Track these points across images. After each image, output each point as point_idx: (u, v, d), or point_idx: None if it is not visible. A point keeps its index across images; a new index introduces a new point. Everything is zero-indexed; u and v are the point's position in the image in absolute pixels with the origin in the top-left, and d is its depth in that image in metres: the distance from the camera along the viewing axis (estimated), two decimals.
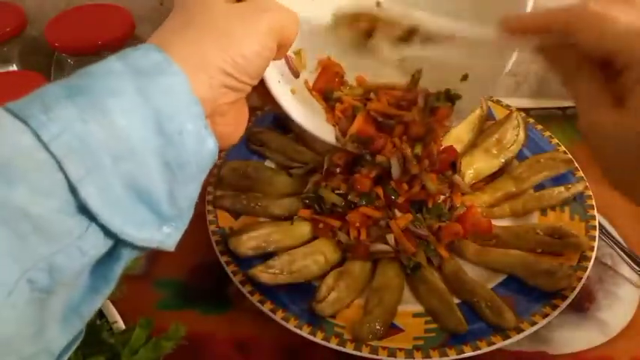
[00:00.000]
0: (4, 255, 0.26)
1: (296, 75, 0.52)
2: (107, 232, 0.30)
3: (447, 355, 0.50)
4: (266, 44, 0.36)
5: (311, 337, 0.51)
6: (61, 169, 0.27)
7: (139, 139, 0.30)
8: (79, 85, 0.30)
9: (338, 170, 0.59)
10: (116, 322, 0.47)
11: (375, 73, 0.57)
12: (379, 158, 0.56)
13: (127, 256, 0.32)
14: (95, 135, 0.28)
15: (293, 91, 0.49)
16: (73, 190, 0.28)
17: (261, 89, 0.43)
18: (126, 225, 0.30)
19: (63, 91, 0.29)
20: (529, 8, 0.47)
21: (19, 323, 0.27)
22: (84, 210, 0.28)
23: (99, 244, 0.30)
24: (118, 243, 0.31)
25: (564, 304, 0.52)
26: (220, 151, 0.36)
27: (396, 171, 0.56)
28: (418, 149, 0.56)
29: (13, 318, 0.27)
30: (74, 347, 0.33)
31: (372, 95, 0.57)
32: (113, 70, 0.31)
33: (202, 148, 0.33)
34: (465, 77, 0.54)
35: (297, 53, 0.53)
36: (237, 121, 0.39)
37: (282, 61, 0.49)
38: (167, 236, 0.33)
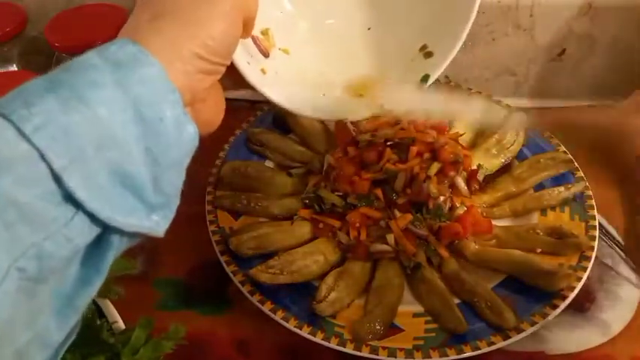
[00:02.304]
0: None
1: (266, 55, 0.52)
2: (94, 219, 0.30)
3: (446, 355, 0.50)
4: (232, 22, 0.37)
5: (311, 337, 0.51)
6: (44, 159, 0.28)
7: (121, 127, 0.31)
8: (58, 79, 0.31)
9: (335, 174, 0.59)
10: (116, 322, 0.47)
11: None
12: (387, 166, 0.57)
13: (117, 245, 0.32)
14: (77, 125, 0.29)
15: (263, 71, 0.49)
16: (57, 180, 0.28)
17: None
18: (112, 212, 0.31)
19: (43, 85, 0.30)
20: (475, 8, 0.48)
21: (11, 311, 0.28)
22: (69, 198, 0.29)
23: (85, 232, 0.30)
24: (107, 230, 0.31)
25: (564, 304, 0.52)
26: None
27: (399, 184, 0.57)
28: (432, 170, 0.57)
29: (6, 305, 0.27)
30: (70, 341, 0.33)
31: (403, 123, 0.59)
32: (91, 64, 0.32)
33: (182, 134, 0.34)
34: (423, 48, 0.53)
35: (265, 33, 0.52)
36: (217, 107, 0.40)
37: (252, 44, 0.49)
38: (156, 224, 0.33)
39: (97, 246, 0.32)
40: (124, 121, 0.31)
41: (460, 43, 0.49)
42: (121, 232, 0.32)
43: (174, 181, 0.34)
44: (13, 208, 0.27)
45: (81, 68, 0.32)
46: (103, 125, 0.30)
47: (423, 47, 0.52)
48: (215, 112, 0.40)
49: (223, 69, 0.38)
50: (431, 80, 0.50)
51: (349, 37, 0.56)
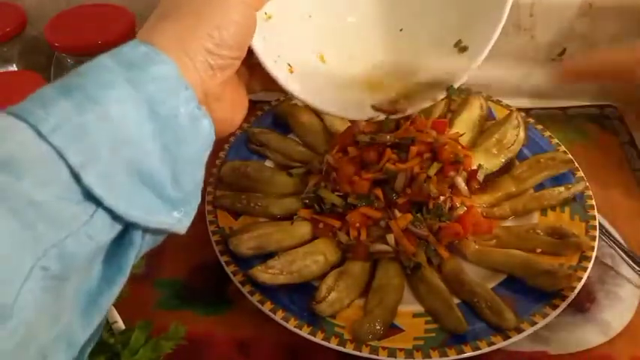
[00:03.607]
0: (16, 243, 0.27)
1: None
2: (114, 216, 0.31)
3: (447, 355, 0.50)
4: (242, 14, 0.37)
5: (311, 337, 0.51)
6: (62, 158, 0.29)
7: (135, 125, 0.31)
8: (72, 82, 0.31)
9: (335, 174, 0.60)
10: (116, 322, 0.47)
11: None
12: (387, 166, 0.57)
13: (139, 243, 0.33)
14: (92, 125, 0.30)
15: (290, 70, 0.49)
16: (76, 178, 0.29)
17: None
18: (132, 208, 0.31)
19: (58, 89, 0.31)
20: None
21: (37, 310, 0.28)
22: (89, 196, 0.30)
23: (106, 229, 0.31)
24: (128, 228, 0.32)
25: (564, 304, 0.52)
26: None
27: (399, 184, 0.57)
28: (432, 170, 0.57)
29: (32, 305, 0.28)
30: (96, 340, 0.34)
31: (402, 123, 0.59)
32: (104, 66, 0.32)
33: (198, 129, 0.34)
34: (458, 44, 0.52)
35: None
36: (235, 106, 0.40)
37: (276, 35, 0.48)
38: (178, 221, 0.34)
39: (119, 245, 0.32)
40: (138, 119, 0.31)
41: (498, 31, 0.48)
42: (142, 230, 0.32)
43: (194, 177, 0.35)
44: (34, 207, 0.28)
45: (93, 71, 0.32)
46: (118, 124, 0.31)
47: (458, 42, 0.51)
48: (232, 112, 0.40)
49: (236, 64, 0.38)
50: (468, 73, 0.49)
51: (381, 38, 0.55)
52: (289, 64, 0.47)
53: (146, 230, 0.33)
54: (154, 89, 0.32)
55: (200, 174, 0.36)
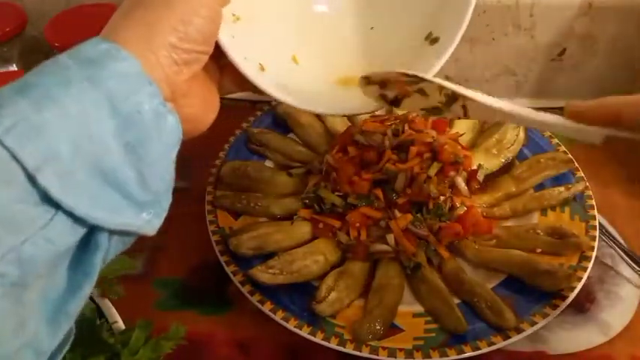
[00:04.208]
0: None
1: None
2: (75, 218, 0.29)
3: (447, 355, 0.50)
4: (205, 5, 0.36)
5: (311, 337, 0.51)
6: (17, 160, 0.28)
7: (96, 123, 0.30)
8: (29, 81, 0.30)
9: (335, 174, 0.60)
10: (116, 322, 0.47)
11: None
12: (387, 166, 0.57)
13: (105, 246, 0.31)
14: (49, 124, 0.29)
15: (262, 68, 0.48)
16: (32, 180, 0.28)
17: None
18: (94, 210, 0.30)
19: (14, 89, 0.30)
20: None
21: None
22: (47, 199, 0.28)
23: (67, 232, 0.30)
24: (93, 230, 0.31)
25: (564, 304, 0.52)
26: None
27: (400, 184, 0.57)
28: (432, 170, 0.58)
29: None
30: (66, 348, 0.33)
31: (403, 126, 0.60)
32: (62, 65, 0.31)
33: (163, 125, 0.33)
34: (429, 36, 0.52)
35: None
36: (205, 103, 0.39)
37: (245, 36, 0.48)
38: (146, 222, 0.33)
39: (84, 249, 0.31)
40: (98, 116, 0.30)
41: (469, 16, 0.48)
42: (108, 232, 0.31)
43: (162, 176, 0.33)
44: None
45: (51, 70, 0.31)
46: (77, 122, 0.29)
47: (429, 35, 0.51)
48: (202, 108, 0.39)
49: (202, 58, 0.37)
50: (441, 63, 0.49)
51: (353, 37, 0.55)
52: (260, 64, 0.47)
53: (112, 232, 0.31)
54: (114, 86, 0.31)
55: (170, 174, 0.34)
